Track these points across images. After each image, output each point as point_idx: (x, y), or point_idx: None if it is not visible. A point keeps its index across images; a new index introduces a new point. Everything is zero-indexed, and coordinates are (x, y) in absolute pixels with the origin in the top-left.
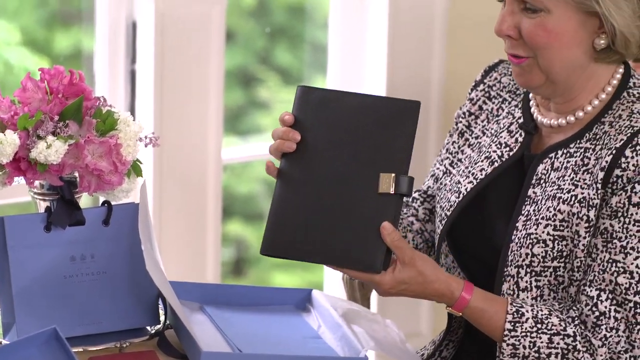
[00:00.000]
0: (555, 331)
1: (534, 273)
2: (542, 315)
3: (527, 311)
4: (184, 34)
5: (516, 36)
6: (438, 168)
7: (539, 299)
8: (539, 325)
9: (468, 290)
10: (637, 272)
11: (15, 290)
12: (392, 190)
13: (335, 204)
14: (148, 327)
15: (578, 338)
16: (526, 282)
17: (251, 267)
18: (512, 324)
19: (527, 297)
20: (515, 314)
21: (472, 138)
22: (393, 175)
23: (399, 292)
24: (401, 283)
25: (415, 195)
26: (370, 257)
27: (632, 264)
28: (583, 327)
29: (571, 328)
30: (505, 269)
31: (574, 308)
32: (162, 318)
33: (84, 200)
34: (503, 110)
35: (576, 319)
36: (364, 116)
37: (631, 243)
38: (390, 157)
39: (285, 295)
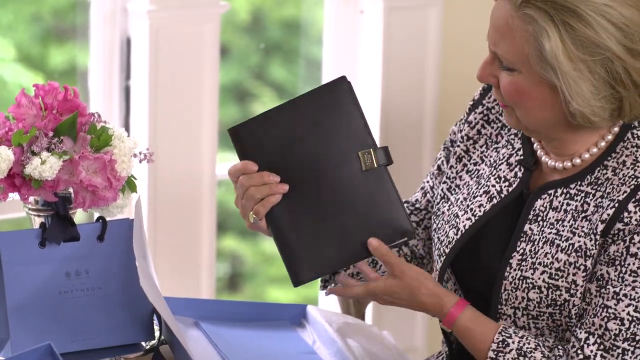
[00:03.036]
0: None
1: (530, 316)
2: (527, 348)
3: (513, 342)
4: (179, 50)
5: (496, 85)
6: (428, 182)
7: (539, 337)
8: (521, 358)
9: (459, 308)
10: (627, 319)
11: (9, 306)
12: (375, 164)
13: (333, 204)
14: (143, 343)
15: None
16: (523, 322)
17: (246, 283)
18: (496, 352)
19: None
20: (500, 343)
21: (471, 164)
22: (370, 150)
23: (392, 302)
24: (391, 293)
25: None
26: (398, 224)
27: (623, 310)
28: None
29: None
30: (500, 307)
31: (560, 347)
32: (156, 334)
33: (79, 216)
34: (502, 137)
35: (558, 357)
36: (304, 118)
37: (624, 290)
38: (354, 137)
39: (280, 311)
